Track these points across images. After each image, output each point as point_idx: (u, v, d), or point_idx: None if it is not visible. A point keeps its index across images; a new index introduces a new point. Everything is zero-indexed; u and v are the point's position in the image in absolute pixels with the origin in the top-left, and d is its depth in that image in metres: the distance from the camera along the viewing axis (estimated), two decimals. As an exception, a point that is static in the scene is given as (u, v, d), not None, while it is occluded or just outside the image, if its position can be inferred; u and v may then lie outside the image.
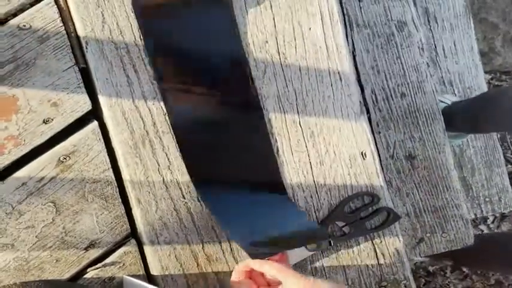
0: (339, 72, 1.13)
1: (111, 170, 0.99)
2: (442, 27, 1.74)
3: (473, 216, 1.88)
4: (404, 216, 1.41)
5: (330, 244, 1.10)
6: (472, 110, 1.60)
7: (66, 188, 0.96)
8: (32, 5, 0.95)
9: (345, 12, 1.31)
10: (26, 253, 0.95)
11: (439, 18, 1.74)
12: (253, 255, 0.99)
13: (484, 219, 2.16)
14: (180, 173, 1.02)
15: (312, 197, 1.10)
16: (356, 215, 1.13)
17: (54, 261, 0.97)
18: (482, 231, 2.15)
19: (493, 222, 2.16)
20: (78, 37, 0.98)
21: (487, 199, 1.87)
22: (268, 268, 0.96)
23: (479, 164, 1.73)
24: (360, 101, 1.15)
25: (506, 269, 1.73)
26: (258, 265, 0.98)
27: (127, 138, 1.00)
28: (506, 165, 2.04)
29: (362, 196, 1.14)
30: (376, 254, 1.15)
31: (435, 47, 1.73)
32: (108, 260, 1.00)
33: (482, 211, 1.87)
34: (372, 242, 1.14)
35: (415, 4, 1.67)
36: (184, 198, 1.03)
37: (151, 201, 1.01)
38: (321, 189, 1.11)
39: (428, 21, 1.72)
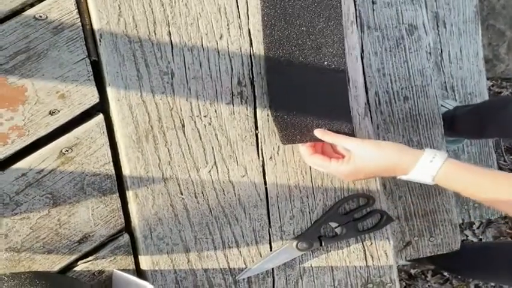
0: (348, 73, 1.13)
1: (111, 163, 1.00)
2: (450, 32, 1.73)
3: (460, 221, 1.89)
4: (395, 219, 1.42)
5: (321, 244, 1.11)
6: (480, 115, 1.60)
7: (65, 180, 0.96)
8: (50, -5, 0.95)
9: (358, 14, 1.30)
10: (19, 244, 0.95)
11: (448, 23, 1.72)
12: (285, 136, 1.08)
13: (470, 225, 2.17)
14: (180, 168, 1.03)
15: (308, 197, 1.11)
16: (350, 216, 1.14)
17: (46, 253, 0.97)
18: (467, 236, 2.17)
19: (478, 227, 2.18)
20: (92, 29, 0.98)
21: (476, 205, 1.88)
22: (338, 138, 1.06)
23: (472, 170, 1.74)
24: (365, 103, 1.15)
25: (489, 277, 1.75)
26: (329, 137, 1.07)
27: (131, 133, 1.00)
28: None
29: (357, 198, 1.15)
30: (365, 256, 1.16)
31: (441, 51, 1.72)
32: (99, 254, 1.01)
33: (470, 216, 1.89)
34: (363, 244, 1.16)
35: (426, 8, 1.65)
36: (182, 194, 1.03)
37: (148, 196, 1.01)
38: (317, 190, 1.12)
39: (437, 25, 1.71)
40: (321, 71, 1.09)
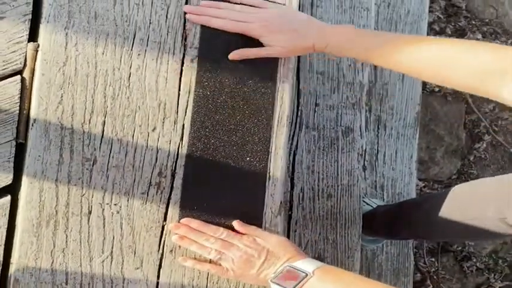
0: (268, 172, 1.14)
1: (2, 247, 0.98)
2: (389, 134, 1.77)
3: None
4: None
5: None
6: (391, 215, 1.62)
7: None
8: (-1, 80, 0.96)
9: (299, 114, 1.32)
10: None
11: (389, 127, 1.76)
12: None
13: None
14: (73, 257, 1.02)
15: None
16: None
17: None
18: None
19: None
20: (28, 114, 0.99)
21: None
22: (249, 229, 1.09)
23: (387, 271, 1.75)
24: (281, 202, 1.16)
25: None
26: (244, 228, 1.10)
27: (33, 217, 0.99)
28: (416, 274, 2.08)
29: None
30: None
31: (377, 152, 1.75)
32: None
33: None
34: None
35: (370, 111, 1.68)
36: (67, 284, 1.02)
37: (30, 284, 0.99)
38: (211, 288, 1.11)
39: (378, 128, 1.74)
40: (241, 166, 1.12)
